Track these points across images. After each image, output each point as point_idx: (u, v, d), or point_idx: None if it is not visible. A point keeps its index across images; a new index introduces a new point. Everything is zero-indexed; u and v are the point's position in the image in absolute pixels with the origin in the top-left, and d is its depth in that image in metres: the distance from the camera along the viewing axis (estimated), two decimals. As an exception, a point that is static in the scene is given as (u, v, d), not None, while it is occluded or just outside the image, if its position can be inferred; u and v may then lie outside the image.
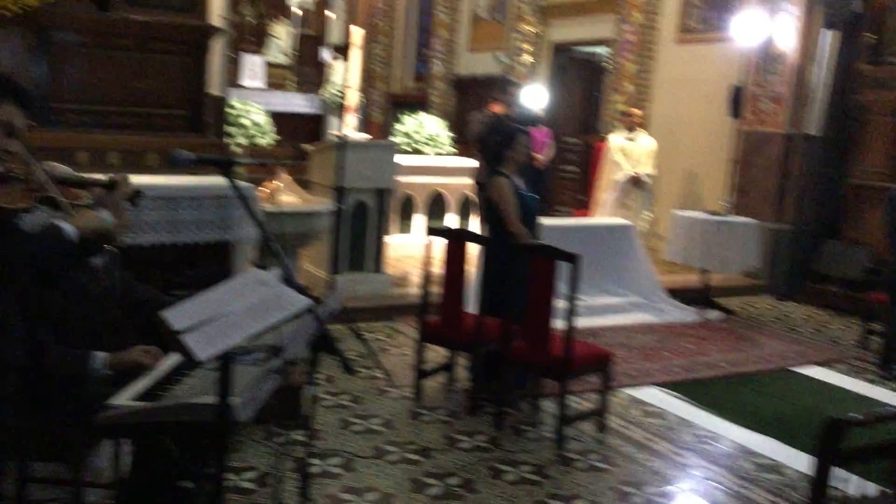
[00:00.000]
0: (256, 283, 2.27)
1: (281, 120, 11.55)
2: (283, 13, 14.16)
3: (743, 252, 7.60)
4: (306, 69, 14.42)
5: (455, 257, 4.85)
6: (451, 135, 10.73)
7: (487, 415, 4.64)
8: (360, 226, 6.82)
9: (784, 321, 7.64)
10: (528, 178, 5.29)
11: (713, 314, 7.48)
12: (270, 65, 13.76)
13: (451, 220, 9.14)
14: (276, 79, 13.83)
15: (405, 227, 9.01)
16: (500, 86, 8.77)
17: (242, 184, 3.89)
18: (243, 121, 9.93)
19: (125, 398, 2.37)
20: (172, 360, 2.70)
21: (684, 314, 7.33)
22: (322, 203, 5.89)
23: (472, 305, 5.23)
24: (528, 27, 12.41)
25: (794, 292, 8.53)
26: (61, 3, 4.89)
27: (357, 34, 8.10)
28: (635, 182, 9.02)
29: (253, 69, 13.32)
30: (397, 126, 10.57)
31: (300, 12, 14.19)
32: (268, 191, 5.64)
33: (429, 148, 10.23)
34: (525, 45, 12.43)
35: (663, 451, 4.39)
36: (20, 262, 2.08)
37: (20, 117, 2.18)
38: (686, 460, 4.31)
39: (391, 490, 3.71)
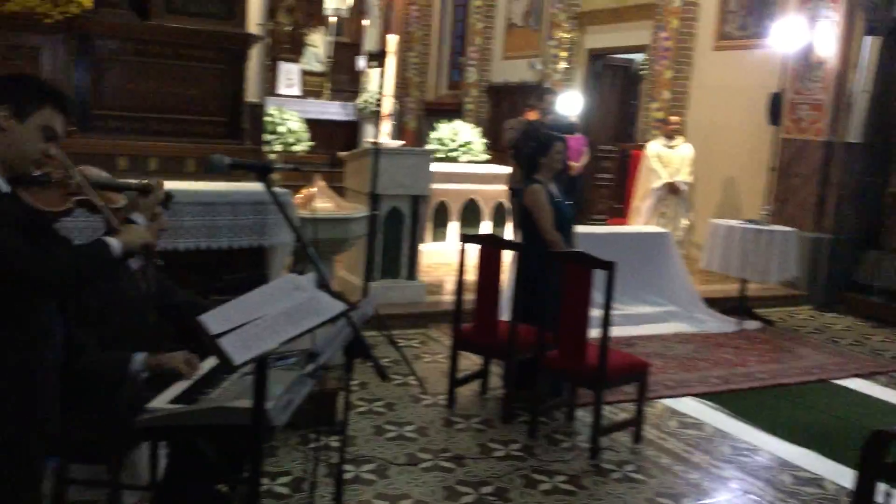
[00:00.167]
0: (292, 288, 2.27)
1: (316, 127, 11.65)
2: (320, 21, 14.28)
3: (782, 261, 7.48)
4: (341, 77, 14.52)
5: (489, 264, 4.83)
6: (485, 142, 10.72)
7: (522, 423, 4.60)
8: (394, 233, 6.83)
9: (824, 332, 7.50)
10: (563, 186, 5.27)
11: (751, 324, 7.36)
12: (306, 73, 13.87)
13: (485, 228, 9.12)
14: (312, 86, 13.94)
15: (439, 234, 9.00)
16: (535, 93, 8.74)
17: (279, 189, 3.91)
18: (280, 128, 10.05)
19: (163, 401, 2.39)
20: (209, 363, 2.72)
21: (722, 324, 7.22)
22: (356, 209, 5.91)
23: (506, 313, 5.21)
24: (563, 34, 12.37)
25: (835, 303, 8.37)
26: (102, 11, 4.96)
27: (392, 42, 8.12)
28: (672, 190, 8.94)
29: (289, 77, 13.44)
30: (432, 133, 10.60)
31: (336, 20, 14.30)
32: (303, 197, 5.67)
33: (463, 155, 10.23)
34: (560, 52, 12.39)
35: (701, 463, 4.32)
36: (62, 269, 2.10)
37: (60, 122, 2.21)
38: (724, 473, 4.24)
39: (424, 498, 3.70)
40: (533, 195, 4.83)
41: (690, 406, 5.17)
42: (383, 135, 9.10)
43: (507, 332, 4.65)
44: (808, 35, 8.36)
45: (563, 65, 12.34)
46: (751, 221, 7.70)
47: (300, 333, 2.10)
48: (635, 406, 4.54)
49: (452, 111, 14.37)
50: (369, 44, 14.68)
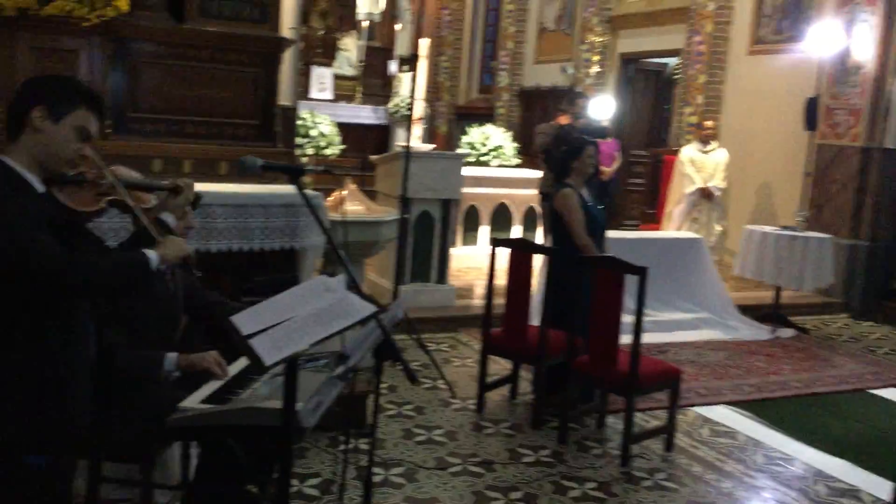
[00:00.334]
0: (322, 290, 2.27)
1: (348, 131, 11.71)
2: (352, 26, 14.35)
3: (817, 268, 7.36)
4: (373, 81, 14.58)
5: (519, 269, 4.81)
6: (517, 146, 10.70)
7: (551, 429, 4.57)
8: (424, 236, 6.83)
9: (860, 341, 7.36)
10: (594, 191, 5.23)
11: (786, 332, 7.25)
12: (338, 77, 13.94)
13: (516, 232, 9.09)
14: (344, 90, 14.01)
15: (470, 238, 8.99)
16: (567, 97, 8.70)
17: (310, 192, 3.93)
18: (311, 131, 10.11)
19: (194, 401, 2.41)
20: (240, 364, 2.73)
21: (756, 332, 7.12)
22: (387, 213, 5.92)
23: (536, 317, 5.18)
24: (595, 38, 12.31)
25: (871, 311, 8.21)
26: (138, 15, 5.02)
27: (424, 46, 8.14)
28: (706, 195, 8.85)
29: (322, 81, 13.52)
30: (463, 137, 10.60)
31: (368, 25, 14.36)
32: (334, 200, 5.69)
33: (494, 159, 10.22)
34: (593, 56, 12.33)
35: (733, 472, 4.26)
36: (95, 276, 2.12)
37: (94, 123, 2.22)
38: (757, 482, 4.17)
39: (453, 502, 3.68)
40: (564, 199, 4.80)
41: (723, 414, 5.10)
42: (414, 139, 9.12)
43: (537, 337, 4.63)
44: (845, 39, 8.23)
45: (595, 69, 12.28)
46: (786, 228, 7.59)
47: (330, 335, 2.10)
48: (667, 413, 4.49)
49: (483, 115, 14.36)
50: (401, 48, 14.72)
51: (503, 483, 3.90)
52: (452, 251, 7.24)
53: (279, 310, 2.16)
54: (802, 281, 7.38)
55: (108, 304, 2.63)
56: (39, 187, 2.16)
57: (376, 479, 3.75)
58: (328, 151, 10.25)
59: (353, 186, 5.86)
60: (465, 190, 7.82)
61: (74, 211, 2.27)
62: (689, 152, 9.04)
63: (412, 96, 5.59)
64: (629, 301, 4.30)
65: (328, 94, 13.51)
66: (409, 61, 12.86)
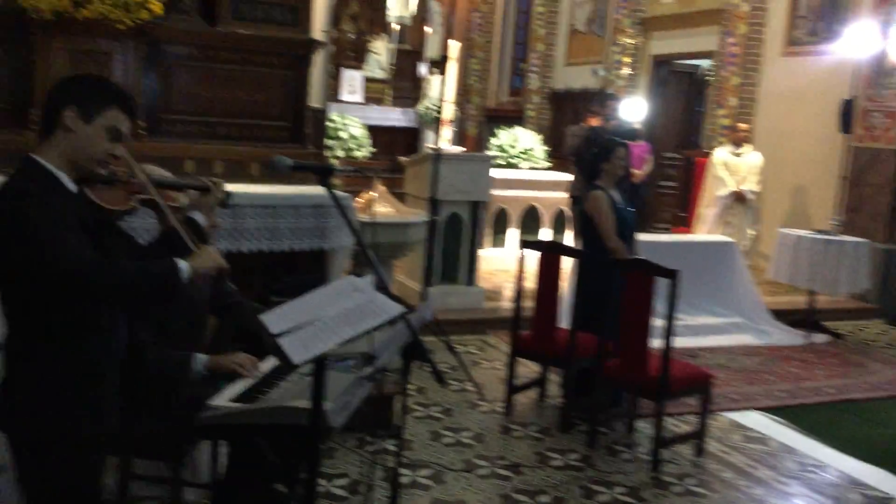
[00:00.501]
0: (351, 290, 2.27)
1: (378, 133, 11.75)
2: (382, 29, 14.40)
3: (852, 273, 7.24)
4: (403, 84, 14.62)
5: (548, 271, 4.78)
6: (546, 149, 10.66)
7: (580, 433, 4.54)
8: (453, 238, 6.82)
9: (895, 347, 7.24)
10: (625, 193, 5.19)
11: (820, 337, 7.14)
12: (368, 79, 14.00)
13: (545, 235, 9.06)
14: (374, 93, 14.06)
15: (499, 240, 8.97)
16: (598, 99, 8.66)
17: (340, 193, 3.94)
18: (342, 134, 10.16)
19: (224, 399, 2.42)
20: (268, 364, 2.75)
21: (789, 337, 7.03)
22: (416, 214, 5.92)
23: (565, 320, 5.15)
24: (627, 40, 12.23)
25: (908, 317, 8.07)
26: (172, 18, 5.08)
27: (454, 48, 8.14)
28: (739, 198, 8.75)
29: (352, 84, 13.58)
30: (492, 140, 10.58)
31: (398, 28, 14.41)
32: (363, 201, 5.70)
33: (524, 162, 10.20)
34: (624, 58, 12.25)
35: (765, 479, 4.20)
36: (124, 282, 2.12)
37: (125, 123, 2.23)
38: (790, 489, 4.11)
39: (481, 505, 3.67)
40: (594, 201, 4.77)
41: (755, 420, 5.03)
42: (443, 141, 9.13)
43: (567, 340, 4.60)
44: (882, 40, 8.10)
45: (626, 71, 12.20)
46: (820, 232, 7.48)
47: (358, 335, 2.10)
48: (698, 418, 4.44)
49: (513, 118, 14.33)
50: (431, 51, 14.76)
51: (531, 487, 3.88)
52: (481, 253, 7.23)
53: (308, 309, 2.16)
54: (837, 285, 7.26)
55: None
56: (71, 186, 2.18)
57: (404, 480, 3.74)
58: (358, 153, 10.30)
59: (382, 188, 5.88)
60: (495, 192, 7.80)
61: (106, 209, 2.28)
62: (721, 155, 8.94)
63: (442, 98, 5.59)
64: (660, 305, 4.25)
65: (358, 97, 13.57)
66: (439, 64, 12.87)
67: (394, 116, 13.52)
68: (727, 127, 9.90)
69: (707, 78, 11.40)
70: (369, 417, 3.63)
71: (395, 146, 12.46)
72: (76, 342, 2.12)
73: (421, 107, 13.61)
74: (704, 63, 11.55)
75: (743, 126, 9.15)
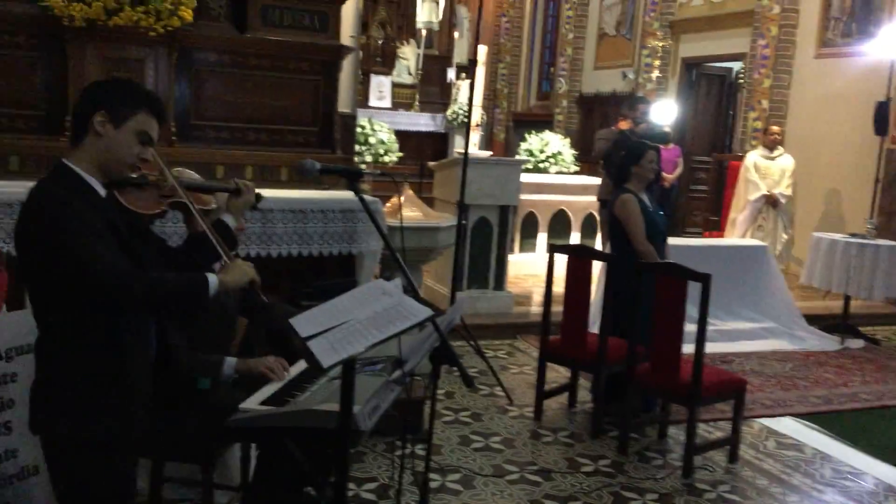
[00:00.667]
0: (380, 293, 2.27)
1: (406, 138, 11.78)
2: (411, 34, 14.45)
3: (888, 277, 7.11)
4: (432, 89, 14.65)
5: (578, 275, 4.75)
6: (575, 153, 10.62)
7: (611, 439, 4.49)
8: (482, 243, 6.81)
9: (935, 353, 7.09)
10: (655, 197, 5.14)
11: (855, 343, 7.02)
12: (397, 85, 14.05)
13: (575, 239, 9.01)
14: (403, 98, 14.11)
15: (528, 245, 8.94)
16: (628, 102, 8.59)
17: (368, 197, 3.94)
18: (370, 139, 10.20)
19: (254, 402, 2.42)
20: (299, 366, 2.75)
21: (823, 342, 6.92)
22: (444, 219, 5.91)
23: (594, 325, 5.11)
24: (656, 42, 12.15)
25: (947, 322, 7.90)
26: (202, 24, 5.11)
27: (482, 52, 8.15)
28: (771, 202, 8.64)
29: (381, 89, 13.64)
30: (521, 144, 10.57)
31: (426, 33, 14.45)
32: (392, 206, 5.71)
33: (552, 166, 10.16)
34: (654, 61, 12.17)
35: (800, 486, 4.12)
36: (150, 292, 2.13)
37: (154, 127, 2.24)
38: (825, 496, 4.03)
39: (510, 510, 3.64)
40: (624, 205, 4.72)
41: (789, 426, 4.95)
42: (472, 146, 9.12)
43: (597, 345, 4.56)
44: (919, 40, 7.97)
45: (656, 74, 12.12)
46: (855, 235, 7.37)
47: (387, 338, 2.09)
48: (731, 424, 4.37)
49: (541, 122, 14.31)
50: (459, 56, 14.78)
51: (561, 492, 3.84)
52: (510, 258, 7.20)
53: (337, 313, 2.16)
54: (872, 290, 7.14)
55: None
56: (101, 191, 2.19)
57: (433, 485, 3.73)
58: (386, 159, 10.33)
59: (410, 192, 5.88)
60: (524, 196, 7.78)
61: (136, 213, 2.29)
62: (754, 158, 8.84)
63: (470, 103, 5.57)
64: (691, 309, 4.20)
65: (387, 103, 13.62)
66: (467, 69, 12.89)
67: (422, 121, 13.56)
68: (759, 130, 9.79)
69: (739, 80, 11.29)
70: (398, 422, 3.62)
71: (424, 151, 12.49)
72: (105, 345, 2.13)
73: (449, 112, 13.63)
74: (735, 65, 11.45)
75: (775, 129, 9.04)
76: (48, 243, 2.05)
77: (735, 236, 8.71)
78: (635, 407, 4.53)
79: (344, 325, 2.10)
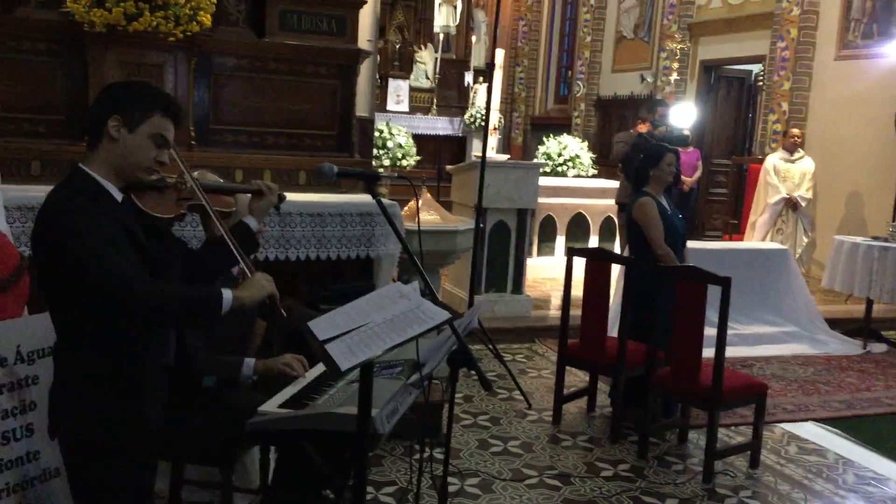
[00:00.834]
0: (397, 296, 2.26)
1: (424, 142, 11.80)
2: (428, 39, 14.48)
3: (911, 281, 7.03)
4: (449, 93, 14.67)
5: (596, 279, 4.72)
6: (593, 156, 10.58)
7: (630, 443, 4.46)
8: (500, 246, 6.79)
9: (960, 357, 6.99)
10: (674, 200, 5.10)
11: (878, 347, 6.94)
12: (414, 89, 14.07)
13: (593, 242, 8.98)
14: (420, 102, 14.14)
15: (546, 248, 8.92)
16: (646, 105, 8.56)
17: (386, 201, 3.94)
18: (388, 143, 10.21)
19: (273, 405, 2.42)
20: (317, 369, 2.75)
21: (846, 346, 6.85)
22: (462, 222, 5.90)
23: (613, 328, 5.08)
24: (675, 45, 12.10)
25: (971, 326, 7.79)
26: (221, 30, 5.15)
27: (499, 55, 8.14)
28: (791, 205, 8.56)
29: (398, 93, 13.67)
30: (540, 148, 10.55)
31: (443, 37, 14.47)
32: (409, 209, 5.70)
33: (570, 170, 10.13)
34: (672, 64, 12.12)
35: (823, 492, 4.07)
36: (161, 304, 2.10)
37: (170, 129, 2.21)
38: (848, 502, 3.98)
39: (529, 515, 3.62)
40: (642, 208, 4.69)
41: (811, 431, 4.90)
42: (490, 149, 9.10)
43: (616, 349, 4.53)
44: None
45: (674, 77, 12.06)
46: (877, 238, 7.28)
47: (404, 341, 2.08)
48: (752, 429, 4.33)
49: (559, 125, 14.28)
50: (477, 60, 14.79)
51: (581, 497, 3.82)
52: (528, 261, 7.18)
53: (355, 316, 2.15)
54: (894, 293, 7.05)
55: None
56: (118, 195, 2.17)
57: (452, 488, 3.72)
58: (404, 162, 10.35)
59: (428, 196, 5.87)
60: (542, 200, 7.75)
61: (154, 217, 2.27)
62: (773, 161, 8.77)
63: (487, 107, 5.56)
64: (711, 314, 4.16)
65: (404, 107, 13.65)
66: (485, 72, 12.89)
67: (439, 125, 13.58)
68: (779, 132, 9.73)
69: (758, 83, 11.22)
70: (417, 425, 3.62)
71: (441, 155, 12.48)
72: (120, 350, 2.12)
73: (467, 115, 13.64)
74: (754, 68, 11.37)
75: (795, 131, 8.97)
76: (60, 248, 2.04)
77: (755, 240, 8.65)
78: (655, 411, 4.50)
79: (362, 329, 2.09)
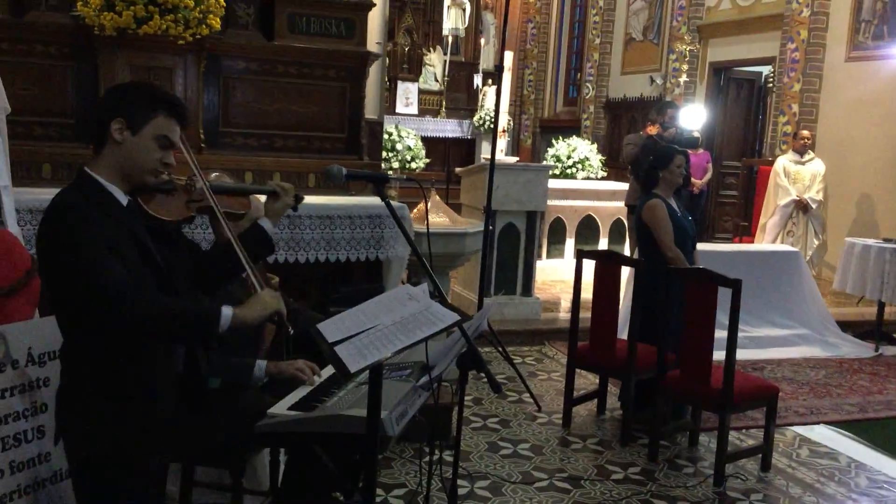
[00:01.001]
0: (406, 298, 2.26)
1: (433, 144, 11.81)
2: (437, 41, 14.50)
3: (924, 283, 6.98)
4: (458, 95, 14.68)
5: (606, 281, 4.71)
6: (603, 158, 10.57)
7: (641, 446, 4.45)
8: (509, 248, 6.79)
9: (973, 360, 6.94)
10: (684, 202, 5.08)
11: (890, 349, 6.91)
12: (423, 91, 14.10)
13: (603, 244, 8.97)
14: (429, 105, 14.16)
15: (555, 250, 8.91)
16: (656, 107, 8.53)
17: (395, 203, 3.94)
18: (398, 145, 10.22)
19: (282, 407, 2.42)
20: (327, 372, 2.75)
21: (858, 349, 6.81)
22: (471, 224, 5.89)
23: (623, 331, 5.06)
24: (684, 47, 12.07)
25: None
26: (230, 33, 5.15)
27: (508, 59, 8.15)
28: (802, 207, 8.53)
29: (407, 96, 13.69)
30: (549, 150, 10.54)
31: (452, 40, 14.48)
32: (418, 211, 5.70)
33: (580, 172, 10.12)
34: (681, 66, 12.09)
35: (835, 495, 4.05)
36: (154, 317, 2.05)
37: (174, 129, 2.18)
38: (861, 506, 3.96)
39: (539, 518, 3.61)
40: (652, 210, 4.68)
41: (823, 434, 4.87)
42: (499, 151, 9.11)
43: (626, 351, 4.51)
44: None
45: (684, 78, 12.03)
46: (888, 240, 7.24)
47: (414, 343, 2.08)
48: (763, 432, 4.31)
49: (568, 128, 14.27)
50: (486, 62, 14.79)
51: (591, 500, 3.81)
52: (538, 263, 7.17)
53: (364, 318, 2.15)
54: (907, 296, 7.01)
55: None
56: (123, 199, 2.15)
57: (461, 491, 3.71)
58: (413, 165, 10.35)
59: (436, 198, 5.87)
60: (551, 202, 7.75)
61: (160, 220, 2.24)
62: (783, 163, 8.74)
63: (496, 109, 5.56)
64: (722, 316, 4.14)
65: (413, 109, 13.67)
66: (494, 75, 12.89)
67: (449, 128, 13.60)
68: (789, 134, 9.69)
69: (768, 85, 11.18)
70: (426, 427, 3.61)
71: (450, 157, 12.49)
72: (125, 355, 2.10)
73: (476, 118, 13.64)
74: (764, 69, 11.34)
75: (805, 133, 8.94)
76: (58, 253, 2.02)
77: (765, 242, 8.62)
78: (665, 414, 4.48)
79: (371, 331, 2.09)
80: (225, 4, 5.00)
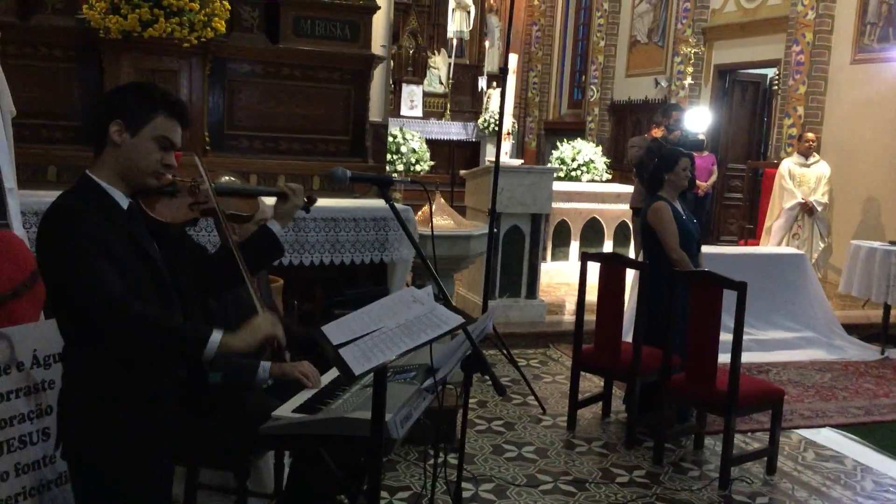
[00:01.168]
0: (411, 301, 2.25)
1: (437, 147, 11.83)
2: (442, 44, 14.51)
3: (930, 286, 6.96)
4: (463, 98, 14.69)
5: (611, 284, 4.70)
6: (607, 161, 10.56)
7: (646, 449, 4.44)
8: (514, 251, 6.78)
9: (980, 363, 6.91)
10: (689, 205, 5.07)
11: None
12: (428, 94, 14.11)
13: (607, 247, 8.96)
14: (434, 107, 14.17)
15: (560, 253, 8.90)
16: (661, 109, 8.53)
17: (400, 206, 3.94)
18: (402, 148, 10.24)
19: (287, 410, 2.42)
20: (331, 374, 2.74)
21: (863, 352, 6.79)
22: (475, 227, 5.90)
23: (628, 334, 5.06)
24: (689, 49, 12.06)
25: None
26: (235, 36, 5.17)
27: (512, 60, 8.16)
28: (807, 210, 8.51)
29: (412, 99, 13.70)
30: (554, 152, 10.54)
31: (457, 42, 14.50)
32: (423, 214, 5.71)
33: (584, 174, 10.12)
34: (686, 68, 12.08)
35: (841, 499, 4.03)
36: (141, 327, 2.03)
37: (175, 130, 2.15)
38: (867, 510, 3.94)
39: (544, 521, 3.60)
40: (656, 213, 4.67)
41: (829, 437, 4.86)
42: (503, 154, 9.10)
43: (631, 354, 4.50)
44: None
45: (688, 81, 12.03)
46: (894, 243, 7.22)
47: (418, 346, 2.07)
48: (768, 435, 4.29)
49: (572, 130, 14.28)
50: (490, 65, 14.80)
51: (596, 503, 3.80)
52: (542, 266, 7.16)
53: (368, 321, 2.15)
54: (914, 299, 6.99)
55: (203, 311, 2.67)
56: (123, 202, 2.14)
57: (466, 494, 3.70)
58: (418, 167, 10.37)
59: (441, 200, 5.87)
60: (556, 205, 7.74)
61: (163, 223, 2.21)
62: (788, 165, 8.73)
63: (501, 112, 5.56)
64: (727, 319, 4.13)
65: (418, 112, 13.68)
66: (498, 77, 12.89)
67: (453, 130, 13.61)
68: (794, 137, 9.68)
69: (773, 87, 11.17)
70: (431, 430, 3.61)
71: (455, 160, 12.51)
72: (125, 360, 2.09)
73: (480, 120, 13.64)
74: (769, 72, 11.33)
75: (810, 136, 8.93)
76: (55, 255, 2.01)
77: (771, 244, 8.60)
78: (670, 417, 4.47)
79: (375, 333, 2.09)
80: (230, 7, 5.02)
